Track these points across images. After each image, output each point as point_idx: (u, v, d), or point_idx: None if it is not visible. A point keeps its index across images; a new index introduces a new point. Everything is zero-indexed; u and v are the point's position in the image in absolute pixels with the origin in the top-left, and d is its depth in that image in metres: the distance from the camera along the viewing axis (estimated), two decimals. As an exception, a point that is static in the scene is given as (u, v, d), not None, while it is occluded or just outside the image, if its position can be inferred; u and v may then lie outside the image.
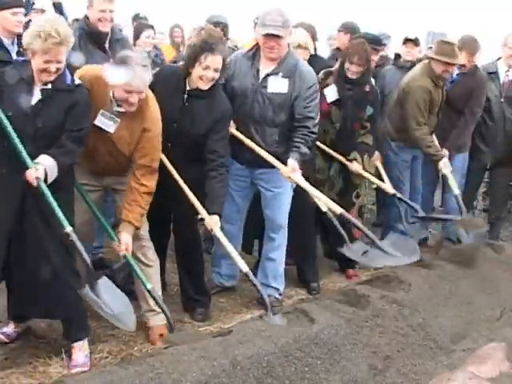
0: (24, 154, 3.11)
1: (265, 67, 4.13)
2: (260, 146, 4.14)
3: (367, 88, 4.85)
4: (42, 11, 6.06)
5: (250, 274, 3.75)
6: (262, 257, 4.50)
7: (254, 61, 4.17)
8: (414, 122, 5.17)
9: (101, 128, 3.48)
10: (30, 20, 4.92)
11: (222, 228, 3.92)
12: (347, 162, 4.86)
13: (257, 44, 4.20)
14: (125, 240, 3.49)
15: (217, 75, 3.78)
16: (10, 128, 3.11)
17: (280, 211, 4.32)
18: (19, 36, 4.25)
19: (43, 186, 3.11)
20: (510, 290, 4.67)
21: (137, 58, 3.42)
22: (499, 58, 5.87)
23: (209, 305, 4.19)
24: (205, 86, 3.79)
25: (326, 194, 4.78)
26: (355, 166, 4.85)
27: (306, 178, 4.30)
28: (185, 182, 3.81)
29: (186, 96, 3.84)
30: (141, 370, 2.81)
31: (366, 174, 4.94)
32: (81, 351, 3.39)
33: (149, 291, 3.57)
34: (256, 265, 4.68)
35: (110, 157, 3.60)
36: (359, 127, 4.89)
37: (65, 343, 3.47)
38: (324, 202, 4.28)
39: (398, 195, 5.11)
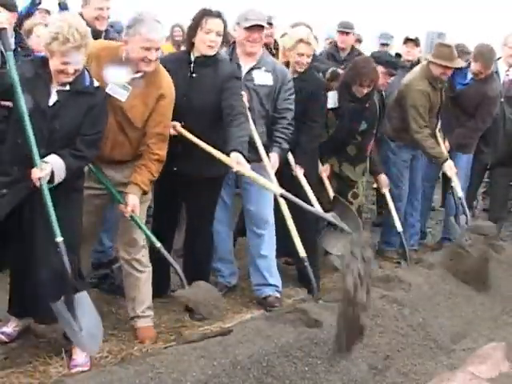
0: (35, 150, 3.07)
1: (245, 63, 4.24)
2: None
3: (367, 104, 4.86)
4: (47, 11, 6.07)
5: (286, 193, 3.75)
6: (252, 256, 4.46)
7: (232, 57, 4.26)
8: (416, 125, 5.17)
9: (111, 98, 3.43)
10: (24, 18, 4.93)
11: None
12: (319, 165, 4.87)
13: (233, 42, 4.32)
14: (131, 201, 3.48)
15: (219, 39, 3.84)
16: (28, 123, 3.07)
17: (265, 206, 4.31)
18: (17, 35, 4.26)
19: (44, 188, 3.09)
20: (510, 289, 4.67)
21: (151, 14, 3.45)
22: (499, 58, 5.88)
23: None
24: (210, 51, 3.83)
25: (321, 194, 4.81)
26: (322, 169, 4.87)
27: (307, 178, 4.40)
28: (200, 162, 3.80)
29: (192, 66, 3.87)
30: (141, 370, 2.80)
31: (326, 182, 4.88)
32: (81, 351, 3.38)
33: (159, 250, 3.57)
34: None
35: (119, 132, 3.54)
36: (351, 138, 4.92)
37: (65, 343, 3.46)
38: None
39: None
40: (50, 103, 3.16)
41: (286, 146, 4.30)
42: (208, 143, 3.73)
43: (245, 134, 3.76)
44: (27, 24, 4.68)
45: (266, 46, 5.54)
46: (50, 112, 3.15)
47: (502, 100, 5.74)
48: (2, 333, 3.52)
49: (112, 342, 3.66)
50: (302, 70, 4.51)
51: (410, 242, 5.70)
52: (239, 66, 4.20)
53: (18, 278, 3.40)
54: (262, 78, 4.23)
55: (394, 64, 5.40)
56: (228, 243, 4.59)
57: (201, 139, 3.75)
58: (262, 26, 4.15)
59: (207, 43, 3.81)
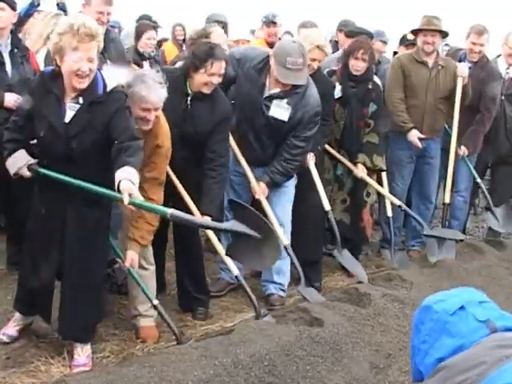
0: (104, 191, 2.98)
1: (272, 86, 4.14)
2: (258, 154, 4.24)
3: (370, 85, 4.85)
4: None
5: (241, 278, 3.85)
6: None
7: (261, 75, 4.16)
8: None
9: None
10: (23, 19, 4.92)
11: (227, 219, 4.02)
12: (352, 167, 4.86)
13: (267, 57, 4.16)
14: (129, 256, 3.49)
15: (220, 80, 3.83)
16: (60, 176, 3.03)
17: (282, 209, 4.31)
18: (14, 36, 4.24)
19: (137, 202, 2.90)
20: (511, 287, 4.66)
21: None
22: (499, 56, 5.87)
23: (208, 303, 4.19)
24: (208, 91, 3.82)
25: (335, 194, 4.81)
26: (359, 171, 4.85)
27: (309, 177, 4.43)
28: (187, 186, 3.83)
29: (189, 99, 3.85)
30: (142, 370, 2.81)
31: (370, 180, 4.92)
32: (83, 351, 3.37)
33: (155, 306, 3.58)
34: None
35: None
36: (363, 125, 4.90)
37: (67, 343, 3.46)
38: None
39: (404, 207, 5.06)
40: (66, 120, 3.03)
41: (278, 178, 4.21)
42: (195, 173, 3.86)
43: (221, 192, 3.98)
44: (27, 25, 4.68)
45: (270, 45, 5.54)
46: (66, 131, 3.02)
47: (503, 98, 5.73)
48: (3, 334, 3.51)
49: (114, 341, 3.66)
50: (311, 73, 4.46)
51: (411, 243, 5.69)
52: (263, 87, 4.13)
53: (34, 277, 3.31)
54: (278, 112, 4.12)
55: (372, 35, 5.44)
56: None
57: (188, 169, 3.84)
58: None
59: (209, 85, 3.79)
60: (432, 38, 5.25)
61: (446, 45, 6.59)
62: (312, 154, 4.51)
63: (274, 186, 4.26)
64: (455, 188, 5.62)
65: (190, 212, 3.72)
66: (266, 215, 4.24)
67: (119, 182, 2.83)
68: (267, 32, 6.14)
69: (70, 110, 3.04)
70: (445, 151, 5.53)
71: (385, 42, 5.99)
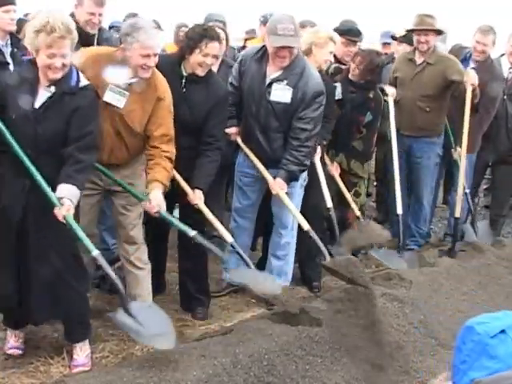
0: (50, 193, 2.98)
1: (271, 71, 4.12)
2: (266, 151, 4.20)
3: (371, 94, 4.85)
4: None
5: (235, 244, 3.78)
6: (269, 252, 4.51)
7: (261, 62, 4.16)
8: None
9: (109, 105, 3.43)
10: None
11: (234, 221, 4.02)
12: (328, 162, 4.86)
13: (264, 46, 4.18)
14: (156, 198, 3.42)
15: (215, 61, 3.86)
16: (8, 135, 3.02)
17: (286, 211, 4.26)
18: (13, 36, 4.26)
19: (71, 222, 2.98)
20: (511, 286, 4.67)
21: (148, 21, 3.44)
22: (503, 55, 5.86)
23: (209, 304, 4.19)
24: (202, 73, 3.81)
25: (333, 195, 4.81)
26: (332, 169, 4.88)
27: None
28: (185, 173, 3.80)
29: (183, 81, 3.84)
30: (142, 370, 2.81)
31: (339, 180, 4.90)
32: (82, 351, 3.37)
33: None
34: (259, 262, 4.68)
35: (117, 138, 3.53)
36: (356, 131, 4.90)
37: (66, 343, 3.46)
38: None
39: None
40: (36, 106, 3.09)
41: (292, 168, 4.12)
42: (192, 157, 3.82)
43: (214, 172, 3.90)
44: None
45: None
46: (34, 115, 3.08)
47: (505, 98, 5.72)
48: (12, 348, 3.45)
49: (113, 341, 3.66)
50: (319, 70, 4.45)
51: (406, 241, 5.69)
52: (265, 75, 4.12)
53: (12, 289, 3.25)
54: (279, 95, 4.09)
55: (355, 32, 5.43)
56: (246, 239, 4.50)
57: (186, 152, 3.77)
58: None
59: (203, 65, 3.78)
60: (425, 37, 5.27)
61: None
62: (318, 148, 4.51)
63: (290, 178, 4.14)
64: (454, 187, 5.61)
65: (181, 190, 3.75)
66: (280, 213, 4.29)
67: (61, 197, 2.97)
68: (265, 31, 6.15)
69: (42, 97, 3.10)
70: (446, 150, 5.53)
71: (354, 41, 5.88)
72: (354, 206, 4.93)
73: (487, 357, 1.47)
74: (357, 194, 5.05)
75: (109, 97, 3.44)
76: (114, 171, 3.60)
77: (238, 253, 3.76)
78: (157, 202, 3.42)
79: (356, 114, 4.86)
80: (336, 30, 5.27)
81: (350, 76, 4.81)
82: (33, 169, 3.02)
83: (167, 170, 3.53)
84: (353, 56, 4.94)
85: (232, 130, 4.28)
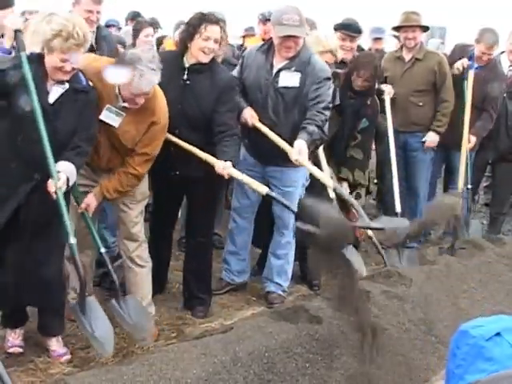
0: (52, 164, 3.04)
1: (278, 62, 4.10)
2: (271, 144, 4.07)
3: (369, 101, 4.84)
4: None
5: (271, 192, 3.75)
6: (269, 251, 4.49)
7: (267, 55, 4.14)
8: None
9: (105, 122, 3.46)
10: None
11: (234, 221, 3.94)
12: (337, 186, 4.76)
13: (270, 38, 4.18)
14: (87, 200, 3.50)
15: (217, 47, 3.76)
16: (42, 125, 3.02)
17: (288, 210, 4.24)
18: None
19: (60, 197, 3.06)
20: (511, 284, 4.66)
21: (146, 60, 3.36)
22: (502, 52, 5.86)
23: (210, 302, 4.19)
24: (206, 59, 3.75)
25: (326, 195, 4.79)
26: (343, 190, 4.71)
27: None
28: (194, 173, 3.78)
29: (186, 72, 3.80)
30: (141, 368, 2.80)
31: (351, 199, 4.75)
32: (58, 342, 3.45)
33: (101, 253, 3.53)
34: (259, 261, 4.68)
35: (112, 150, 3.58)
36: (351, 137, 4.86)
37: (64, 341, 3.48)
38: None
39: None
40: (51, 101, 3.13)
41: (312, 128, 3.94)
42: (204, 151, 3.71)
43: (236, 149, 3.80)
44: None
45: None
46: (51, 110, 3.12)
47: (505, 95, 5.72)
48: (13, 346, 3.45)
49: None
50: None
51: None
52: (271, 67, 4.10)
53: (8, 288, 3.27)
54: (288, 80, 4.05)
55: (354, 28, 5.40)
56: (245, 239, 4.50)
57: (196, 147, 3.73)
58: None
59: (205, 51, 3.73)
60: (413, 34, 5.36)
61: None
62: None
63: (309, 145, 3.91)
64: (453, 184, 5.61)
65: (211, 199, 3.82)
66: (281, 213, 4.21)
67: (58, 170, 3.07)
68: (263, 29, 6.17)
69: (55, 93, 3.15)
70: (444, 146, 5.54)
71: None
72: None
73: (483, 359, 1.46)
74: (358, 197, 5.04)
75: (105, 116, 3.47)
76: (110, 173, 3.64)
77: (274, 198, 3.74)
78: (85, 203, 3.49)
79: (354, 119, 4.83)
80: (336, 24, 5.28)
81: (354, 86, 4.74)
82: (53, 170, 3.05)
83: (122, 185, 3.57)
84: (353, 66, 4.80)
85: (247, 114, 4.08)
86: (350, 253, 4.43)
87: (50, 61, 3.09)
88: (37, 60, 3.16)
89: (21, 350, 3.44)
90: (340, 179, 4.84)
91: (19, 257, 3.20)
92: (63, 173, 3.08)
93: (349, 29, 5.31)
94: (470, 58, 5.51)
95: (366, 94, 4.82)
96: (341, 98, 4.76)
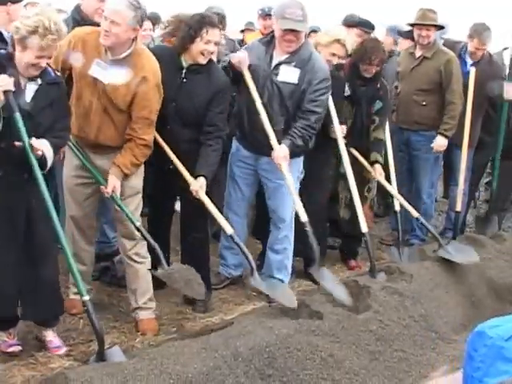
0: (23, 129, 2.98)
1: (278, 55, 4.12)
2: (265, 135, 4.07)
3: (378, 84, 4.85)
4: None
5: (235, 236, 3.78)
6: (267, 246, 4.49)
7: (268, 47, 4.16)
8: None
9: (95, 80, 3.45)
10: None
11: (226, 217, 3.97)
12: (370, 168, 4.83)
13: (272, 31, 4.20)
14: (111, 182, 3.49)
15: (216, 49, 3.86)
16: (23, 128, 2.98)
17: (283, 204, 4.26)
18: None
19: (32, 158, 3.01)
20: None
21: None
22: (505, 48, 5.84)
23: (209, 297, 4.19)
24: (204, 61, 3.80)
25: (341, 192, 4.82)
26: (377, 174, 4.81)
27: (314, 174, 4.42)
28: (186, 166, 3.79)
29: (184, 72, 3.83)
30: (142, 362, 2.81)
31: (386, 183, 4.87)
32: (54, 333, 3.44)
33: (137, 228, 3.56)
34: (259, 257, 4.67)
35: (104, 115, 3.54)
36: (369, 122, 4.87)
37: (66, 335, 3.47)
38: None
39: (421, 220, 4.88)
40: (28, 99, 3.10)
41: (299, 142, 4.06)
42: (192, 150, 3.80)
43: (217, 161, 3.89)
44: None
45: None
46: (31, 108, 3.09)
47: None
48: (10, 346, 3.40)
49: (114, 334, 3.67)
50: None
51: (406, 237, 5.68)
52: (271, 59, 4.11)
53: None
54: (287, 75, 4.07)
55: (366, 23, 5.48)
56: (239, 233, 4.39)
57: (186, 144, 3.81)
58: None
59: (205, 53, 3.78)
60: (427, 32, 5.28)
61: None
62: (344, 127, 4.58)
63: (292, 154, 4.05)
64: (454, 181, 5.60)
65: (182, 182, 3.74)
66: (277, 207, 4.24)
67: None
68: (263, 24, 6.17)
69: (30, 90, 3.12)
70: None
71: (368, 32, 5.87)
72: (401, 200, 4.93)
73: (503, 360, 1.40)
74: (369, 190, 5.04)
75: (94, 71, 3.46)
76: (105, 159, 3.61)
77: (237, 244, 3.75)
78: (111, 186, 3.48)
79: (369, 106, 4.85)
80: (351, 21, 5.26)
81: (365, 75, 4.73)
82: (25, 137, 3.01)
83: (136, 156, 3.55)
84: (361, 55, 4.74)
85: (240, 56, 4.04)
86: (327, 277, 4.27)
87: (24, 58, 3.03)
88: (7, 59, 3.10)
89: (19, 347, 3.41)
90: (372, 163, 4.84)
91: (14, 258, 3.20)
92: (39, 142, 3.03)
93: (366, 26, 5.43)
94: (460, 56, 5.50)
95: (376, 79, 4.82)
96: (351, 88, 4.76)
